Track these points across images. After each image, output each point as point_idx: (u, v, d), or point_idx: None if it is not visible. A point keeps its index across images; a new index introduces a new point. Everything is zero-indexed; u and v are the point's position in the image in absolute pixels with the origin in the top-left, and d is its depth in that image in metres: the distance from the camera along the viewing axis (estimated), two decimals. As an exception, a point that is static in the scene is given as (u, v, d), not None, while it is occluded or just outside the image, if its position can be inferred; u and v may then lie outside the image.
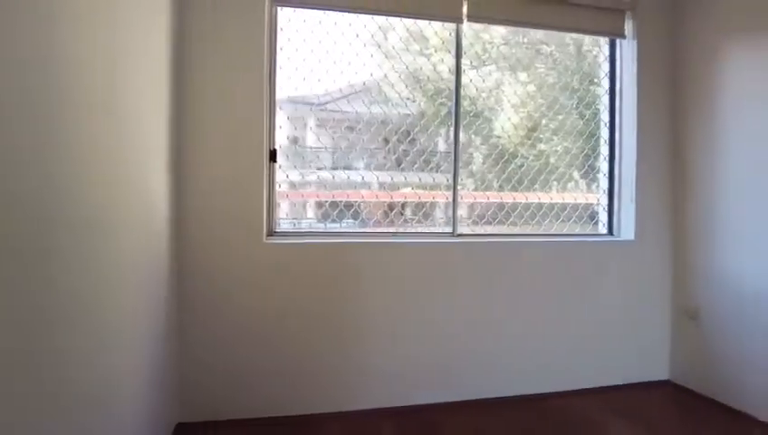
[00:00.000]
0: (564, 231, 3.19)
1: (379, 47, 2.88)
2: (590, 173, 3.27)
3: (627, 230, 3.14)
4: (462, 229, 2.96)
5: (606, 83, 3.24)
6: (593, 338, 3.00)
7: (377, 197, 2.98)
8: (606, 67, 3.24)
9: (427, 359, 2.74)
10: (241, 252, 2.50)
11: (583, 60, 3.30)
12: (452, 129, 2.96)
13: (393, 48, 2.93)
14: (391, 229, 2.92)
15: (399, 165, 3.00)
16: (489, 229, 3.07)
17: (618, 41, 3.18)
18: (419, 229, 3.00)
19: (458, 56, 2.93)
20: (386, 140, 3.03)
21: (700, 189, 2.95)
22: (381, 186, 2.98)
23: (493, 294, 2.85)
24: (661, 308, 3.14)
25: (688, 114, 3.03)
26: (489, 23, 2.95)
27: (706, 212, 2.90)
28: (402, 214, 3.04)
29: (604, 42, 3.24)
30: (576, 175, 3.28)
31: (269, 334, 2.54)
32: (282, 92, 2.72)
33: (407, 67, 2.93)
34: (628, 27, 3.12)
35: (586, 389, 2.96)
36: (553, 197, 3.20)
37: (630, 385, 3.03)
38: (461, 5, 2.83)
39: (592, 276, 3.02)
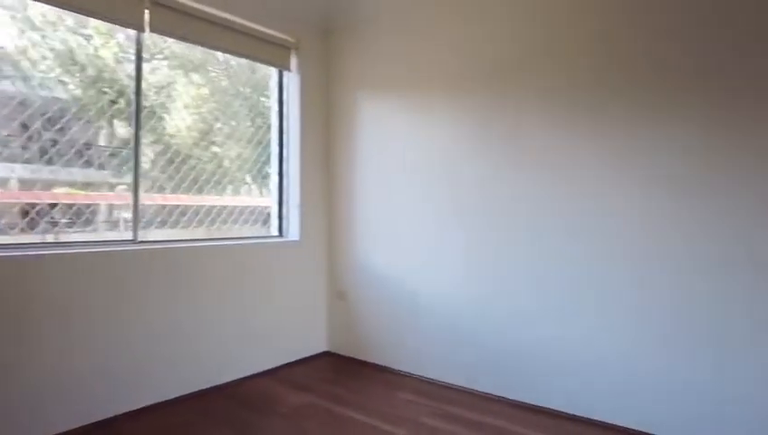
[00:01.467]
0: (242, 233, 3.36)
1: (16, 15, 2.33)
2: (261, 179, 3.56)
3: (293, 232, 3.57)
4: (142, 234, 2.71)
5: (276, 105, 3.60)
6: (269, 327, 3.30)
7: (18, 197, 2.39)
8: (276, 92, 3.61)
9: (118, 368, 2.39)
10: None
11: (256, 72, 3.55)
12: (129, 127, 2.69)
13: (41, 18, 2.42)
14: (35, 239, 2.40)
15: (44, 157, 2.49)
16: (169, 234, 2.93)
17: (285, 72, 3.59)
18: (78, 238, 2.57)
19: (139, 58, 2.69)
20: (24, 126, 2.47)
21: (345, 198, 3.66)
22: (22, 183, 2.41)
23: (175, 297, 2.74)
24: (320, 294, 3.72)
25: (337, 137, 3.71)
26: (170, 36, 2.83)
27: (349, 216, 3.62)
28: (52, 218, 2.54)
29: (275, 71, 3.60)
30: (249, 179, 3.51)
31: None
32: None
33: (58, 44, 2.47)
34: (294, 62, 3.57)
35: (265, 370, 3.27)
36: (229, 200, 3.33)
37: (299, 360, 3.50)
38: (143, 14, 2.64)
39: (267, 273, 3.30)
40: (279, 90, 3.61)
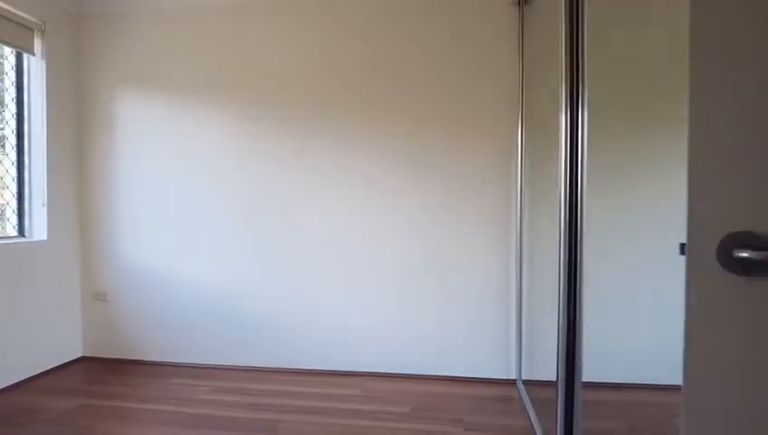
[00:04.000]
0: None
1: None
2: (-6, 173, 3.14)
3: (39, 231, 3.28)
4: None
5: (13, 92, 3.20)
6: (15, 336, 3.00)
7: None
8: (13, 76, 3.20)
9: None
10: None
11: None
12: None
13: None
14: None
15: None
16: None
17: (26, 55, 3.22)
18: None
19: None
20: None
21: (102, 193, 3.54)
22: None
23: None
24: (74, 297, 3.51)
25: (93, 130, 3.53)
26: None
27: (110, 213, 3.53)
28: None
29: (10, 51, 3.19)
30: (-22, 174, 3.06)
31: None
32: None
33: None
34: (39, 46, 3.24)
35: (16, 383, 3.02)
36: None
37: (57, 368, 3.31)
38: None
39: (6, 278, 2.98)
40: (18, 74, 3.23)
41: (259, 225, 3.34)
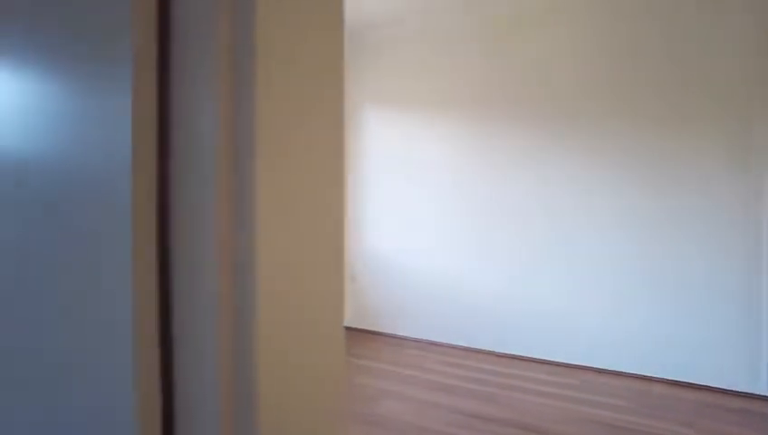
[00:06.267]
0: None
1: None
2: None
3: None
4: None
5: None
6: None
7: None
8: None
9: None
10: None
11: None
12: None
13: None
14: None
15: None
16: None
17: None
18: None
19: None
20: None
21: (351, 189, 4.39)
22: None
23: None
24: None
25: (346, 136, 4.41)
26: None
27: (357, 208, 4.36)
28: None
29: None
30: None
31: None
32: None
33: None
34: None
35: None
36: None
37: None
38: None
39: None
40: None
41: (486, 218, 3.72)
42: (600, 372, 3.22)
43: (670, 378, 3.03)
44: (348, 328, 4.42)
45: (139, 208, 0.55)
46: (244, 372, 0.54)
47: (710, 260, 2.92)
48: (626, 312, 3.18)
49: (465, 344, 3.78)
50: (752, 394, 2.80)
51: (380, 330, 4.23)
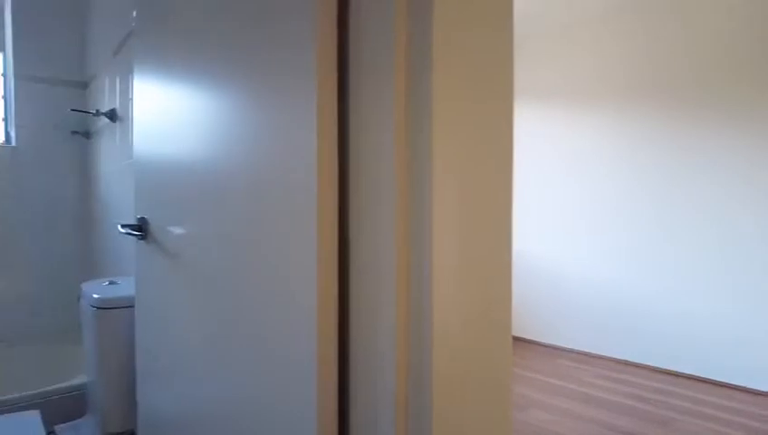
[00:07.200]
0: None
1: None
2: None
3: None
4: None
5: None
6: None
7: None
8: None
9: None
10: None
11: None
12: None
13: None
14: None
15: None
16: None
17: None
18: None
19: None
20: None
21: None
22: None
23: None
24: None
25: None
26: None
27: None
28: None
29: None
30: None
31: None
32: None
33: None
34: None
35: None
36: None
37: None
38: None
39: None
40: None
41: (637, 222, 3.35)
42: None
43: None
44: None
45: (322, 214, 0.60)
46: (420, 377, 0.55)
47: None
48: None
49: (627, 358, 3.43)
50: None
51: (524, 336, 4.05)
